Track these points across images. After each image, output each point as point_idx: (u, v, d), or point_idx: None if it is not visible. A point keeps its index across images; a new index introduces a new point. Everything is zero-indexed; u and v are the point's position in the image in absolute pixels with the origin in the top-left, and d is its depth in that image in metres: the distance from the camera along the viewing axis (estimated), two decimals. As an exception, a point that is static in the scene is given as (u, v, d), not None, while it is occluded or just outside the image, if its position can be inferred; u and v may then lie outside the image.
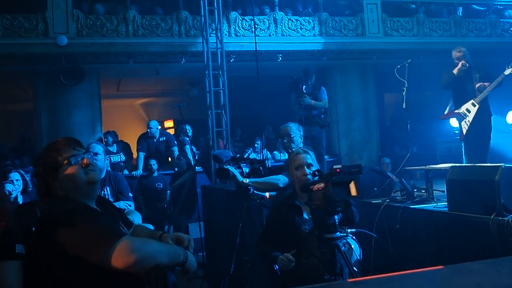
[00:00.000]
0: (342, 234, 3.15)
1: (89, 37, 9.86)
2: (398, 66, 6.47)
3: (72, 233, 2.03)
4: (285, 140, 5.06)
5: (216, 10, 9.43)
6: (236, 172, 4.62)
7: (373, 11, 11.65)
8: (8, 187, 5.58)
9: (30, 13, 9.62)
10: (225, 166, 4.67)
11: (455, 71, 7.24)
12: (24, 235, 2.26)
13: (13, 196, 5.51)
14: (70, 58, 10.05)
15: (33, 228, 2.26)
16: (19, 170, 6.21)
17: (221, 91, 9.07)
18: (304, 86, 8.74)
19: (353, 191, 3.00)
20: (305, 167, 3.66)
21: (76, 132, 10.37)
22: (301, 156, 3.72)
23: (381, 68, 11.83)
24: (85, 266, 2.02)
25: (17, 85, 12.72)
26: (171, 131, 14.31)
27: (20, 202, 5.46)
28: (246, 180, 4.61)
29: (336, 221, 3.09)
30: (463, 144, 7.25)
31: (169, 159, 10.64)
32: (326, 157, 9.71)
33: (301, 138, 5.12)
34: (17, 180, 5.74)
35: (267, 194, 4.83)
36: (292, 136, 5.02)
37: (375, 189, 5.41)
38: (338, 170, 3.02)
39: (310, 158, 3.72)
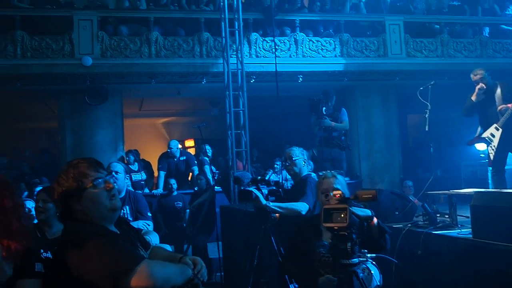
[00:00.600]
0: (361, 259, 3.08)
1: (113, 58, 10.06)
2: (421, 88, 6.42)
3: (91, 258, 2.02)
4: (287, 163, 5.12)
5: (237, 31, 9.54)
6: (260, 195, 4.63)
7: (395, 32, 11.60)
8: (29, 204, 5.65)
9: (57, 35, 9.88)
10: (248, 188, 4.68)
11: (473, 97, 7.08)
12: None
13: (32, 213, 5.55)
14: (95, 78, 10.24)
15: (41, 251, 2.26)
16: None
17: (241, 111, 9.13)
18: (324, 108, 8.76)
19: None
20: (331, 192, 3.57)
21: (99, 151, 10.53)
22: (328, 180, 3.66)
23: (404, 89, 11.73)
24: None
25: (44, 104, 12.98)
26: (192, 151, 14.41)
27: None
28: (269, 204, 4.61)
29: (349, 246, 3.03)
30: (489, 168, 7.06)
31: (189, 178, 10.70)
32: (346, 179, 9.62)
33: (305, 162, 5.15)
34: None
35: (276, 215, 4.84)
36: (294, 159, 5.06)
37: (396, 213, 5.30)
38: (337, 196, 3.00)
39: (338, 183, 3.64)
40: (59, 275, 2.12)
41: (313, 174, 6.03)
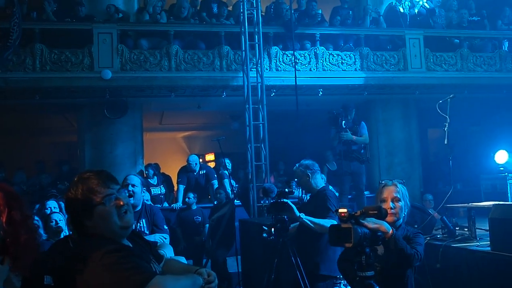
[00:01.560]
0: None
1: (132, 71, 10.09)
2: (440, 101, 6.34)
3: (102, 274, 1.97)
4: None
5: (257, 45, 9.54)
6: (294, 206, 4.58)
7: (415, 46, 11.52)
8: (56, 216, 5.65)
9: (77, 48, 9.94)
10: (283, 200, 4.64)
11: None
12: (54, 268, 2.23)
13: (59, 225, 5.54)
14: (114, 92, 10.27)
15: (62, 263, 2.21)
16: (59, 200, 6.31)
17: (260, 125, 9.09)
18: (343, 121, 8.71)
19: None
20: (391, 201, 3.44)
21: (118, 164, 10.54)
22: (389, 189, 3.52)
23: (424, 103, 11.61)
24: None
25: (63, 117, 13.10)
26: (212, 164, 14.38)
27: (66, 233, 5.44)
28: (303, 216, 4.55)
29: (363, 259, 2.92)
30: (509, 181, 6.96)
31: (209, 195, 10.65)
32: (366, 192, 9.54)
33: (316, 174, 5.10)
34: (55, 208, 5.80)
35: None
36: (308, 172, 5.05)
37: (416, 226, 5.23)
38: (343, 214, 2.90)
39: (399, 192, 3.49)
40: None
41: (330, 187, 5.99)
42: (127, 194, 2.28)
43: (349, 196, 9.47)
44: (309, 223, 4.55)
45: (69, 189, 2.22)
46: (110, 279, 1.95)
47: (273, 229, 4.59)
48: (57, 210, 5.93)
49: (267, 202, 5.11)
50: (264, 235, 4.60)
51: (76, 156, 12.19)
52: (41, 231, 5.50)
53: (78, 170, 11.41)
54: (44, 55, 9.76)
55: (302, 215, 4.56)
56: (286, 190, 4.91)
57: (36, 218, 5.57)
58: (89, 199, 2.13)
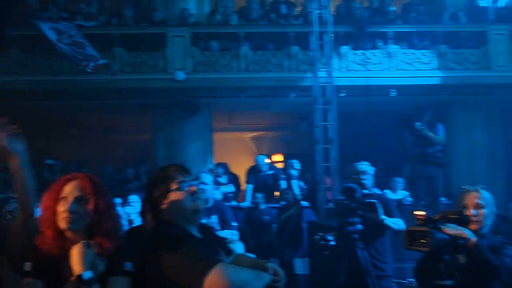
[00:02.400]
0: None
1: (203, 72, 10.34)
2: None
3: (171, 258, 2.12)
4: (358, 177, 5.14)
5: (326, 44, 9.43)
6: (381, 208, 4.51)
7: (500, 43, 10.88)
8: (128, 209, 5.87)
9: (152, 51, 10.31)
10: (371, 200, 4.58)
11: None
12: (133, 255, 2.37)
13: (131, 218, 5.75)
14: (186, 93, 10.56)
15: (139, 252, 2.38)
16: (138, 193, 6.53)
17: (329, 126, 8.97)
18: (418, 123, 8.37)
19: None
20: (473, 208, 3.19)
21: (189, 163, 10.62)
22: (470, 194, 3.27)
23: (510, 104, 10.96)
24: None
25: (138, 117, 13.54)
26: (280, 165, 14.37)
27: (137, 224, 5.64)
28: (386, 218, 4.49)
29: (442, 267, 2.77)
30: None
31: (276, 193, 10.63)
32: (442, 199, 9.12)
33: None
34: (135, 202, 6.00)
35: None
36: (365, 174, 5.07)
37: (499, 236, 4.95)
38: (420, 217, 2.76)
39: (483, 198, 3.23)
40: (145, 274, 2.23)
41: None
42: (197, 185, 2.42)
43: (423, 202, 9.12)
44: (392, 225, 4.48)
45: (150, 178, 2.50)
46: (178, 264, 2.10)
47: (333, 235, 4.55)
48: (138, 205, 6.17)
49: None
50: (324, 240, 4.55)
51: (150, 155, 12.57)
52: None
53: (152, 168, 11.78)
54: (123, 58, 10.21)
55: (386, 218, 4.50)
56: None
57: (119, 208, 5.82)
58: (166, 184, 2.33)
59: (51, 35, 9.67)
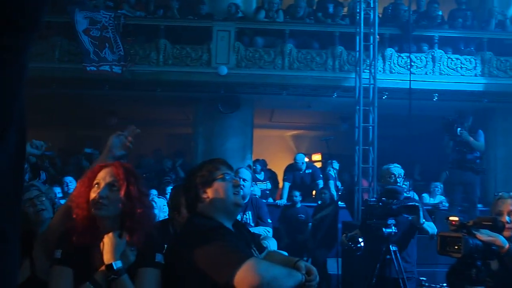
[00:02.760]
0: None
1: (247, 68, 10.39)
2: None
3: (204, 250, 2.13)
4: (391, 180, 5.14)
5: (371, 46, 9.39)
6: (422, 212, 4.55)
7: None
8: (160, 202, 6.02)
9: (197, 44, 10.44)
10: (415, 204, 4.62)
11: None
12: (164, 246, 2.40)
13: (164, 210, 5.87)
14: (229, 87, 10.64)
15: (165, 245, 2.38)
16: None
17: (370, 127, 8.95)
18: (459, 128, 8.28)
19: None
20: (507, 214, 3.22)
21: (228, 158, 10.67)
22: (505, 201, 3.29)
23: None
24: (213, 285, 2.09)
25: (180, 110, 13.75)
26: (319, 165, 14.37)
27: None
28: (425, 223, 4.52)
29: (473, 273, 2.77)
30: None
31: (313, 192, 10.67)
32: (479, 206, 9.00)
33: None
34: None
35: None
36: (399, 176, 5.09)
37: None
38: (454, 222, 2.76)
39: None
40: (176, 266, 2.23)
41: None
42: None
43: (460, 208, 9.02)
44: (429, 229, 4.50)
45: (194, 169, 2.51)
46: (210, 256, 2.11)
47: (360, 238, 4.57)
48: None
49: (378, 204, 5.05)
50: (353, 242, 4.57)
51: (189, 148, 12.74)
52: (156, 211, 5.84)
53: (191, 162, 11.97)
54: (167, 50, 10.37)
55: (425, 222, 4.52)
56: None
57: (154, 198, 5.95)
58: (212, 173, 2.37)
59: (80, 25, 9.77)
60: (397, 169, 5.18)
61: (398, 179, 5.11)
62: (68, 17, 10.28)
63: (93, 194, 2.25)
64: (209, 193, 2.33)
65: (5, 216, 0.93)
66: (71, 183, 8.29)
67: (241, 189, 4.40)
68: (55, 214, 2.64)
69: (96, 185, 2.27)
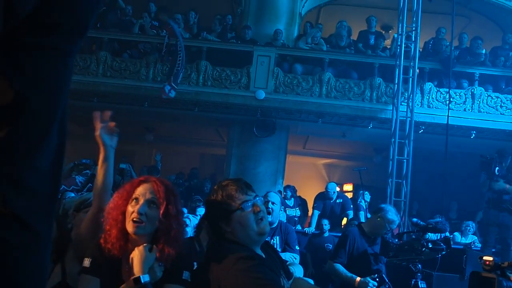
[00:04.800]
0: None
1: (284, 94, 10.46)
2: None
3: (235, 278, 2.08)
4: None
5: (410, 79, 9.37)
6: None
7: None
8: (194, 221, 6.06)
9: (237, 68, 10.59)
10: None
11: None
12: (192, 265, 2.40)
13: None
14: (265, 112, 10.72)
15: (194, 263, 2.37)
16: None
17: (404, 160, 8.87)
18: (497, 168, 8.13)
19: None
20: None
21: (259, 182, 10.88)
22: None
23: None
24: None
25: (216, 131, 13.90)
26: (349, 195, 14.24)
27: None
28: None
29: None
30: None
31: (343, 222, 10.56)
32: (514, 248, 8.75)
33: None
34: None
35: None
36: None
37: None
38: (487, 262, 2.70)
39: None
40: (204, 287, 2.19)
41: None
42: (261, 203, 2.34)
43: (493, 250, 8.79)
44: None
45: (209, 195, 2.37)
46: (240, 284, 2.05)
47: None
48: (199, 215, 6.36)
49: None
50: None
51: (221, 169, 12.82)
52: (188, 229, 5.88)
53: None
54: (207, 71, 10.55)
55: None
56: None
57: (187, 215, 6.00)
58: (228, 205, 2.24)
59: (181, 39, 9.96)
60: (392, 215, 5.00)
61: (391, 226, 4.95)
62: (117, 35, 10.65)
63: (131, 209, 2.23)
64: (231, 226, 2.24)
65: (40, 217, 0.95)
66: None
67: (270, 213, 4.39)
68: (84, 221, 2.63)
69: (134, 200, 2.26)
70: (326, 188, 10.26)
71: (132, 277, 2.16)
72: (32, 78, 0.93)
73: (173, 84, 9.69)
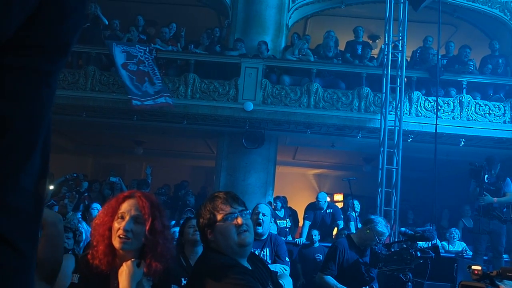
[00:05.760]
0: None
1: (273, 105, 10.45)
2: None
3: (215, 286, 2.09)
4: None
5: (398, 88, 9.40)
6: None
7: None
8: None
9: (225, 80, 10.58)
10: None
11: None
12: (179, 278, 2.39)
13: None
14: (254, 123, 10.69)
15: (182, 279, 2.36)
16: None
17: (394, 170, 8.87)
18: (486, 175, 8.14)
19: None
20: None
21: (249, 193, 10.86)
22: None
23: None
24: None
25: (205, 144, 13.87)
26: (340, 205, 14.23)
27: None
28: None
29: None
30: None
31: (334, 232, 10.52)
32: (505, 256, 8.74)
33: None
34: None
35: None
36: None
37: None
38: (476, 272, 2.69)
39: None
40: None
41: None
42: (247, 217, 2.37)
43: (485, 258, 8.78)
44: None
45: (200, 207, 2.44)
46: None
47: None
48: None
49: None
50: None
51: (211, 181, 12.77)
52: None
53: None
54: (195, 84, 10.53)
55: None
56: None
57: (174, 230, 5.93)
58: (213, 215, 2.31)
59: (119, 59, 10.05)
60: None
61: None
62: (105, 49, 10.60)
63: (117, 225, 2.23)
64: (214, 235, 2.30)
65: (25, 236, 0.95)
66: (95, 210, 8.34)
67: (260, 224, 4.36)
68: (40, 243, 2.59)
69: (120, 217, 2.26)
70: (317, 197, 10.23)
71: None
72: (14, 99, 0.92)
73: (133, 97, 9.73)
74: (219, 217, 2.30)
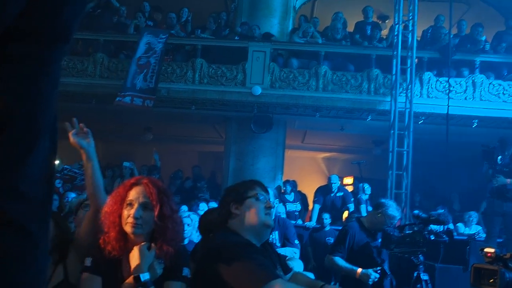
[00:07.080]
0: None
1: (281, 89, 10.34)
2: None
3: (232, 266, 2.14)
4: None
5: (409, 69, 9.24)
6: None
7: None
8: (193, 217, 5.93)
9: (232, 64, 10.48)
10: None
11: None
12: (191, 261, 2.40)
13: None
14: (262, 107, 10.60)
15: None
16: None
17: (405, 152, 8.76)
18: (499, 157, 7.99)
19: None
20: None
21: (258, 178, 10.57)
22: None
23: None
24: None
25: (214, 129, 13.81)
26: (350, 188, 14.14)
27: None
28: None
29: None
30: None
31: (344, 215, 10.45)
32: (519, 239, 8.60)
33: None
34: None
35: None
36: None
37: None
38: (489, 254, 2.60)
39: None
40: (202, 280, 2.28)
41: None
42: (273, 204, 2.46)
43: (499, 240, 8.66)
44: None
45: (232, 186, 2.58)
46: (238, 272, 2.12)
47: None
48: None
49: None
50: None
51: (220, 166, 12.72)
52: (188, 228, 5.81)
53: (221, 179, 11.93)
54: (203, 69, 10.44)
55: None
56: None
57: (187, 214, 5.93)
58: (246, 191, 2.42)
59: (139, 52, 10.01)
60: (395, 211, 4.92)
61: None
62: (114, 36, 10.57)
63: (126, 213, 2.31)
64: (241, 209, 2.35)
65: (35, 222, 0.98)
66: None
67: (273, 210, 4.34)
68: (83, 221, 2.72)
69: (129, 205, 2.32)
70: (329, 179, 10.15)
71: (132, 276, 2.23)
72: (15, 87, 0.94)
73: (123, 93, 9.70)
74: (252, 194, 2.39)
